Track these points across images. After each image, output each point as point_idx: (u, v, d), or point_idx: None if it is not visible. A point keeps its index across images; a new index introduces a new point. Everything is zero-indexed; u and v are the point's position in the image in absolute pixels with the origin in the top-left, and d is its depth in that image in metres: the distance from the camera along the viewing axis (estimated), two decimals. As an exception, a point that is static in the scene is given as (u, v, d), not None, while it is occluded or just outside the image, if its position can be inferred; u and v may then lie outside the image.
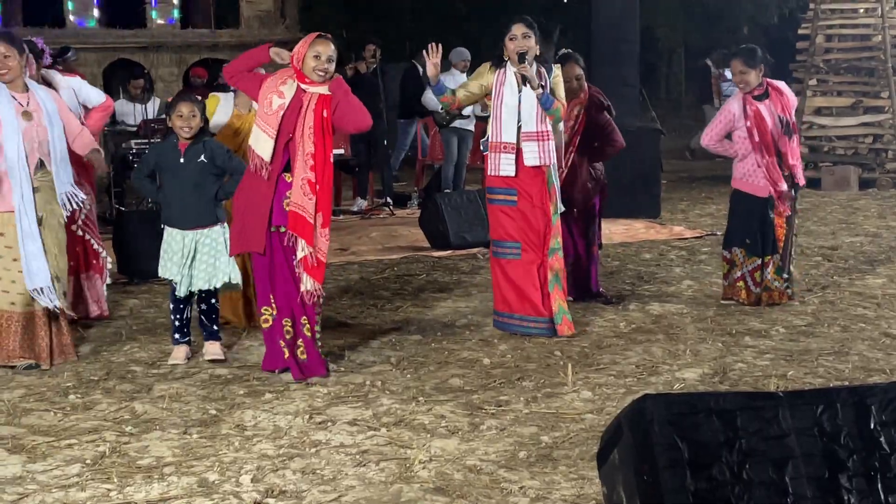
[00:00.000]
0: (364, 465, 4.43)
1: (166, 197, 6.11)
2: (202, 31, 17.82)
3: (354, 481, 4.27)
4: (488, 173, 6.66)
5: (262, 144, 5.66)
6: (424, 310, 7.43)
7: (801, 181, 7.36)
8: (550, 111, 6.52)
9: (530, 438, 4.74)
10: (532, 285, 6.58)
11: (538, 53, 6.60)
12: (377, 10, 26.88)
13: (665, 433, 3.19)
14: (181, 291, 6.05)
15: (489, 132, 6.64)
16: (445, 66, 13.20)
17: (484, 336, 6.61)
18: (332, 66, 5.71)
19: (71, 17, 17.37)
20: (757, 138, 7.09)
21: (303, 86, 5.68)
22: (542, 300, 6.58)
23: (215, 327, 6.18)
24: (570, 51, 7.50)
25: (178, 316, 6.16)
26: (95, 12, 17.40)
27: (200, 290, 6.08)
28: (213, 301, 6.17)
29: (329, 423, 4.95)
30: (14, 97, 5.91)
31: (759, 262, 7.25)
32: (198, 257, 6.03)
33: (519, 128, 6.53)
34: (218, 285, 6.08)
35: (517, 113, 6.54)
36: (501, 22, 6.70)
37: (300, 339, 5.72)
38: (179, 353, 6.14)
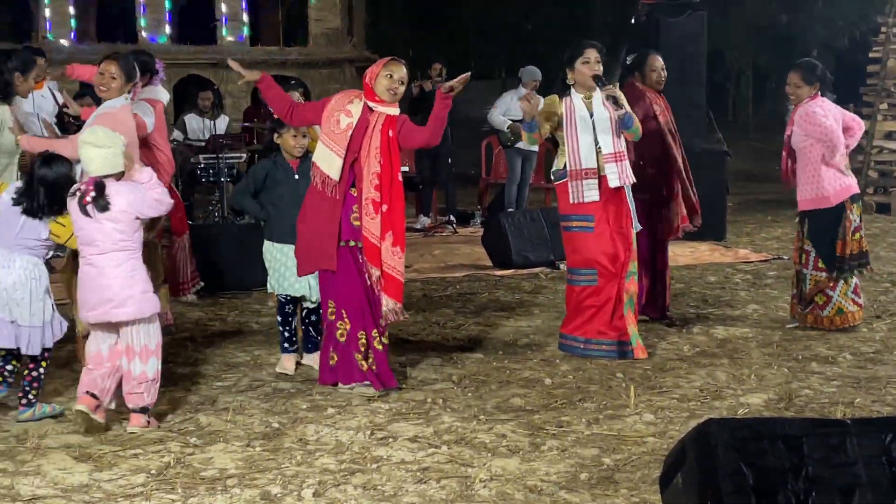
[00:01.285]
0: (425, 483, 4.43)
1: (278, 213, 6.17)
2: (271, 49, 18.06)
3: (415, 498, 4.28)
4: (570, 201, 6.54)
5: (330, 163, 5.70)
6: (486, 328, 7.43)
7: (800, 205, 7.26)
8: (631, 129, 6.54)
9: (592, 460, 4.71)
10: (607, 311, 6.55)
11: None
12: (444, 28, 27.04)
13: (730, 458, 3.16)
14: (314, 300, 6.17)
15: (567, 161, 6.56)
16: (514, 83, 13.26)
17: (545, 356, 6.60)
18: (403, 89, 5.80)
19: (143, 34, 17.69)
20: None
21: (371, 104, 5.74)
22: (615, 323, 6.56)
23: (319, 338, 6.27)
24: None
25: (287, 327, 6.26)
26: (167, 28, 17.70)
27: (310, 303, 6.23)
28: (320, 313, 6.19)
29: (390, 440, 4.96)
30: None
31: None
32: None
33: (598, 151, 6.53)
34: None
35: (594, 137, 6.53)
36: (572, 46, 6.66)
37: (371, 352, 5.77)
38: (290, 362, 6.24)
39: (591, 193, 6.50)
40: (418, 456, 4.75)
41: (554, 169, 6.69)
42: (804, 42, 25.15)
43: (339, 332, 5.77)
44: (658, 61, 7.42)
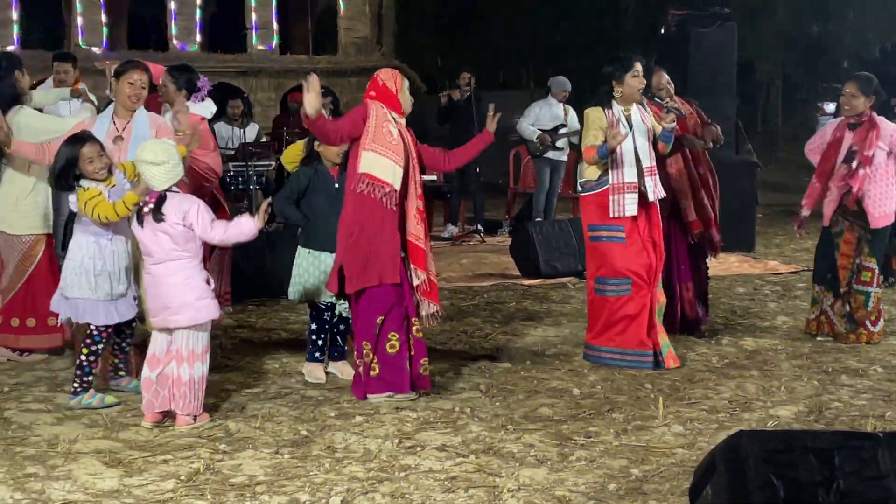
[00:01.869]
0: (453, 492, 4.43)
1: (317, 220, 6.19)
2: (300, 57, 18.12)
3: (443, 507, 4.28)
4: (611, 214, 6.50)
5: (391, 172, 5.67)
6: (514, 338, 7.43)
7: (876, 222, 7.14)
8: (669, 143, 6.62)
9: (620, 471, 4.70)
10: (642, 320, 6.54)
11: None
12: (472, 37, 27.08)
13: (760, 471, 3.15)
14: (341, 312, 6.22)
15: (610, 174, 6.50)
16: (543, 94, 13.26)
17: (573, 366, 6.59)
18: None
19: (174, 42, 17.79)
20: (821, 162, 7.21)
21: (396, 117, 5.78)
22: (649, 334, 6.54)
23: (346, 347, 6.33)
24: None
25: (322, 335, 6.29)
26: (198, 37, 17.79)
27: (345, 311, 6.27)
28: (349, 321, 6.25)
29: (418, 448, 4.97)
30: (114, 122, 6.10)
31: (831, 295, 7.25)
32: None
33: (638, 165, 6.53)
34: None
35: (634, 151, 6.53)
36: (621, 59, 6.64)
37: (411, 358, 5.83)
38: (321, 371, 6.27)
39: (632, 207, 6.50)
40: (446, 465, 4.75)
41: (584, 179, 6.66)
42: (834, 53, 25.04)
43: (390, 343, 5.69)
44: (663, 77, 7.27)
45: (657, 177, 6.62)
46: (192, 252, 5.34)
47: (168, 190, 5.33)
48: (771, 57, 25.39)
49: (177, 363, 5.31)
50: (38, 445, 5.02)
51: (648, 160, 6.57)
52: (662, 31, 12.23)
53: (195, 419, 5.35)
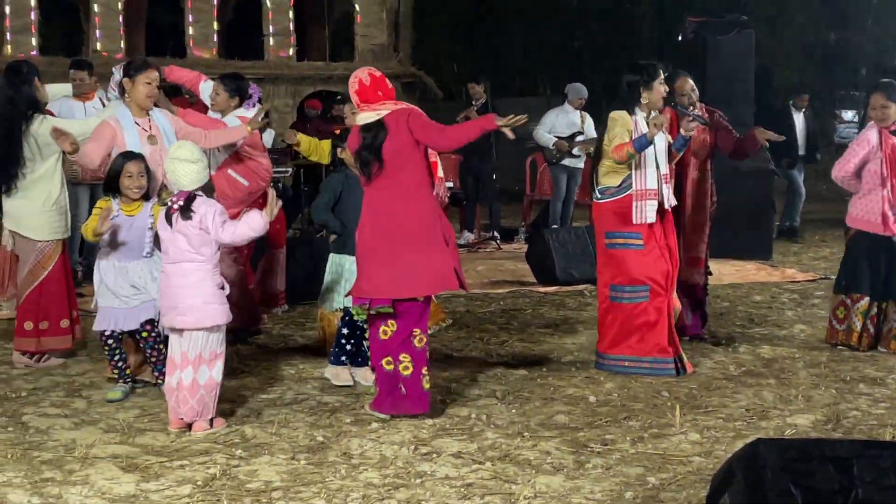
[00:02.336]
0: (469, 499, 4.43)
1: (351, 226, 6.16)
2: (317, 64, 18.16)
3: (459, 514, 4.27)
4: (634, 221, 6.48)
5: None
6: (530, 345, 7.42)
7: None
8: (682, 151, 6.66)
9: (637, 479, 4.68)
10: (662, 327, 6.52)
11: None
12: (489, 44, 27.10)
13: (778, 479, 3.13)
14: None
15: (633, 181, 6.49)
16: (559, 101, 13.26)
17: (590, 373, 6.57)
18: None
19: (191, 48, 17.85)
20: (886, 171, 7.01)
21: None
22: (669, 340, 6.53)
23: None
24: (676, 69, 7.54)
25: (352, 341, 6.30)
26: (215, 43, 17.84)
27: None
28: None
29: (434, 455, 4.96)
30: (137, 123, 6.15)
31: (878, 306, 7.10)
32: None
33: (658, 171, 6.54)
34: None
35: (655, 158, 6.53)
36: (648, 67, 6.61)
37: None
38: (346, 374, 6.29)
39: (651, 214, 6.49)
40: (462, 472, 4.75)
41: (604, 186, 6.60)
42: (853, 61, 24.95)
43: (404, 364, 5.54)
44: (687, 84, 7.24)
45: (670, 184, 6.64)
46: (206, 256, 5.37)
47: (195, 191, 5.40)
48: (789, 65, 25.31)
49: (191, 367, 5.33)
50: (56, 450, 5.03)
51: (665, 167, 6.58)
52: (679, 38, 12.20)
53: (211, 424, 5.36)
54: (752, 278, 10.29)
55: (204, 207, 5.37)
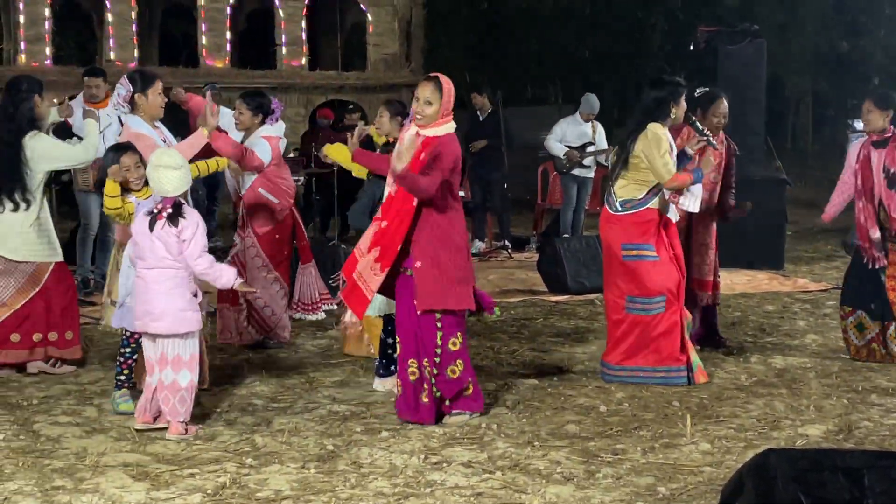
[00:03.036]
0: (478, 508, 4.43)
1: None
2: (330, 73, 18.22)
3: (469, 523, 4.27)
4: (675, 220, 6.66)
5: (385, 191, 5.81)
6: (541, 354, 7.41)
7: None
8: (681, 169, 6.61)
9: (647, 489, 4.67)
10: (675, 336, 6.52)
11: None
12: (500, 53, 27.12)
13: (789, 490, 3.12)
14: None
15: (665, 192, 6.55)
16: (570, 110, 13.27)
17: (601, 383, 6.56)
18: (431, 109, 5.60)
19: (204, 58, 17.92)
20: (860, 183, 7.06)
21: (418, 129, 5.69)
22: (681, 349, 6.53)
23: None
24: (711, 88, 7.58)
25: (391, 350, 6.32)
26: (228, 53, 17.92)
27: None
28: None
29: (444, 464, 4.96)
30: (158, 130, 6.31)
31: (881, 325, 7.11)
32: None
33: None
34: None
35: None
36: (674, 81, 6.69)
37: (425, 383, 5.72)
38: (390, 383, 6.27)
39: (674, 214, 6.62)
40: (472, 481, 4.74)
41: (626, 198, 6.54)
42: (865, 69, 24.91)
43: (411, 370, 5.65)
44: (724, 107, 7.30)
45: (678, 199, 6.65)
46: (182, 263, 5.43)
47: (178, 197, 5.46)
48: (800, 74, 25.30)
49: (160, 368, 5.44)
50: (67, 458, 5.04)
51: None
52: (691, 47, 12.21)
53: (186, 431, 5.40)
54: (764, 288, 10.26)
55: (190, 220, 5.43)
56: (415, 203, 5.54)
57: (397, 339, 5.74)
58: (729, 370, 6.91)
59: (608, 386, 6.48)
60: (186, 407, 5.43)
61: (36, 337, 6.68)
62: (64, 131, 9.64)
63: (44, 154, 6.58)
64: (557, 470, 4.90)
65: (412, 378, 5.64)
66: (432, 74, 5.78)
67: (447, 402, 5.68)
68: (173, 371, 5.41)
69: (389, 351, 6.22)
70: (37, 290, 6.65)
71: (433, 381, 5.62)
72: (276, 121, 7.46)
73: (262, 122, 7.34)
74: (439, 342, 5.59)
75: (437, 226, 5.58)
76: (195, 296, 5.50)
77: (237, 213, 7.72)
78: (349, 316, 6.91)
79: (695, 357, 6.58)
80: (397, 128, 6.57)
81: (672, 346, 6.50)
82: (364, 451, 5.15)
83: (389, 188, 5.71)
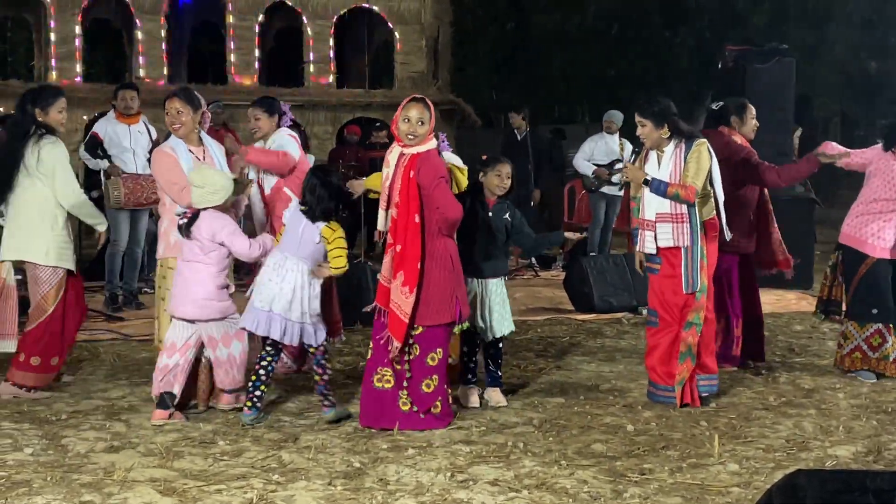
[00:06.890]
0: (505, 527, 4.41)
1: (466, 247, 6.22)
2: (357, 91, 18.24)
3: (495, 542, 4.25)
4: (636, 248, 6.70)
5: (382, 220, 5.93)
6: (568, 372, 7.39)
7: None
8: (667, 196, 6.37)
9: (675, 509, 4.65)
10: (664, 354, 6.48)
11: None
12: (527, 72, 27.14)
13: (819, 511, 3.09)
14: (488, 336, 6.40)
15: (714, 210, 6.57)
16: (597, 129, 13.25)
17: (628, 402, 6.54)
18: (423, 128, 5.79)
19: (233, 75, 18.01)
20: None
21: (402, 149, 5.84)
22: (671, 370, 6.47)
23: (499, 373, 6.53)
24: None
25: (473, 358, 6.48)
26: (256, 70, 18.01)
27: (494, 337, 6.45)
28: (500, 347, 6.52)
29: (471, 482, 4.95)
30: (191, 150, 6.35)
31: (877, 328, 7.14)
32: (494, 306, 6.39)
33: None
34: (506, 332, 6.46)
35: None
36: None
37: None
38: (474, 395, 6.42)
39: (650, 245, 6.53)
40: (499, 500, 4.73)
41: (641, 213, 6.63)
42: (893, 90, 24.75)
43: (387, 377, 6.04)
44: (754, 110, 7.55)
45: (684, 225, 6.40)
46: (212, 260, 6.04)
47: (203, 209, 6.04)
48: (829, 93, 25.18)
49: (212, 347, 6.08)
50: (95, 473, 5.07)
51: (669, 206, 6.47)
52: (720, 66, 12.18)
53: (237, 398, 6.09)
54: (793, 308, 10.22)
55: (218, 223, 6.02)
56: (417, 219, 5.74)
57: (370, 346, 6.02)
58: (757, 390, 6.87)
59: (635, 405, 6.45)
60: (243, 373, 6.12)
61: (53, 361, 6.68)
62: (94, 145, 9.74)
63: (50, 161, 6.55)
64: (584, 489, 4.88)
65: (383, 385, 5.92)
66: (417, 96, 5.97)
67: (421, 416, 5.87)
68: (224, 345, 6.06)
69: (466, 359, 6.47)
70: (52, 308, 6.57)
71: (406, 390, 5.87)
72: (290, 121, 7.53)
73: (279, 125, 7.37)
74: (415, 353, 5.88)
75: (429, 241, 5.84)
76: (226, 288, 6.10)
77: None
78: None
79: (681, 380, 6.41)
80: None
81: (663, 364, 6.47)
82: (391, 468, 5.14)
83: (391, 212, 5.87)
